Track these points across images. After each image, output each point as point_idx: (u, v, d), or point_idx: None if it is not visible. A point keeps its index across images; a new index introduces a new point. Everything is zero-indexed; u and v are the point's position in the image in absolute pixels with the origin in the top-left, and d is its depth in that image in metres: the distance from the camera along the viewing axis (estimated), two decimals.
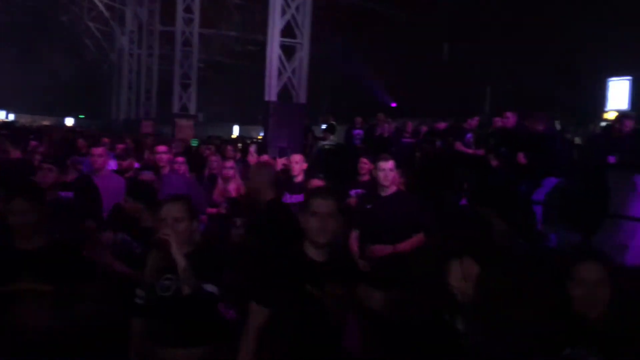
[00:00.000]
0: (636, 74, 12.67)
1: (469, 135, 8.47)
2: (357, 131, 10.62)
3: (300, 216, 2.38)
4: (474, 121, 8.47)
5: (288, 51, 11.01)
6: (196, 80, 20.81)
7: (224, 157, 6.91)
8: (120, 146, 8.44)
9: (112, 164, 6.50)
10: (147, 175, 4.94)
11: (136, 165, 6.94)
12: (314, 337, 2.25)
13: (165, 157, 5.69)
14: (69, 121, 35.79)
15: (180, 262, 2.48)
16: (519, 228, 6.81)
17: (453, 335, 2.05)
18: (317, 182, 5.10)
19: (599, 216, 6.29)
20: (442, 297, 2.09)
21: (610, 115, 11.52)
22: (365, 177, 5.58)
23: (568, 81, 13.56)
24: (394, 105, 14.01)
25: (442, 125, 9.84)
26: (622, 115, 7.89)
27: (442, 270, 2.15)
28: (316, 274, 2.27)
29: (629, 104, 12.59)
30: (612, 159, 6.23)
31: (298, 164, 5.52)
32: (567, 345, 2.08)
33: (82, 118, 38.12)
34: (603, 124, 10.18)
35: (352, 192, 5.37)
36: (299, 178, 5.41)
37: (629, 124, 6.63)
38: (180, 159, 5.92)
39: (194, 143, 13.07)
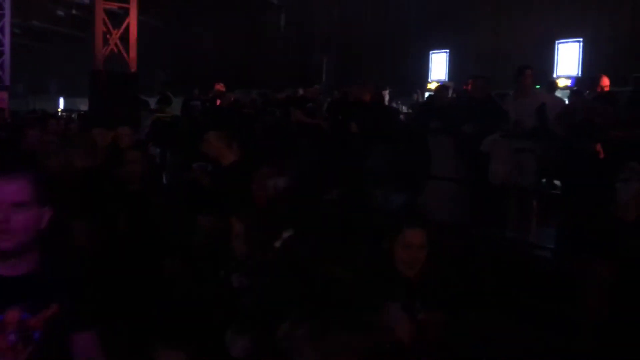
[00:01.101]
0: (453, 48, 13.89)
1: (310, 105, 8.64)
2: (195, 102, 10.29)
3: None
4: (313, 91, 8.63)
5: (115, 17, 10.26)
6: (10, 48, 18.58)
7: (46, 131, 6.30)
8: None
9: None
10: None
11: None
12: None
13: None
14: None
15: None
16: (353, 192, 7.18)
17: (226, 292, 1.98)
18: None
19: (422, 178, 6.83)
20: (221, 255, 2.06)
21: (432, 85, 12.58)
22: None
23: (396, 54, 14.42)
24: (233, 75, 13.82)
25: (281, 95, 9.90)
26: (442, 85, 8.60)
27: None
28: None
29: (446, 74, 13.82)
30: (433, 125, 6.75)
31: (127, 136, 5.24)
32: (386, 299, 2.17)
33: None
34: (427, 93, 11.02)
35: (195, 165, 5.26)
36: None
37: (449, 93, 7.29)
38: None
39: None
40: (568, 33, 11.72)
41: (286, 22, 16.62)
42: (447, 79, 13.09)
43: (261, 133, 9.13)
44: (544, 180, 7.47)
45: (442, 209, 6.26)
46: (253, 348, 1.84)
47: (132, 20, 10.35)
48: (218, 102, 9.69)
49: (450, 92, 8.53)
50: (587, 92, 5.37)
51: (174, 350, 1.76)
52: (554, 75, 11.65)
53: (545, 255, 5.46)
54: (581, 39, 11.58)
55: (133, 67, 10.27)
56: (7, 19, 18.59)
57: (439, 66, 14.22)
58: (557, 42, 11.85)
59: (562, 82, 10.50)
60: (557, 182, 7.20)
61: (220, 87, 10.35)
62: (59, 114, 20.88)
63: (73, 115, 15.67)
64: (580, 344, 3.38)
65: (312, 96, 8.35)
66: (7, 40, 18.51)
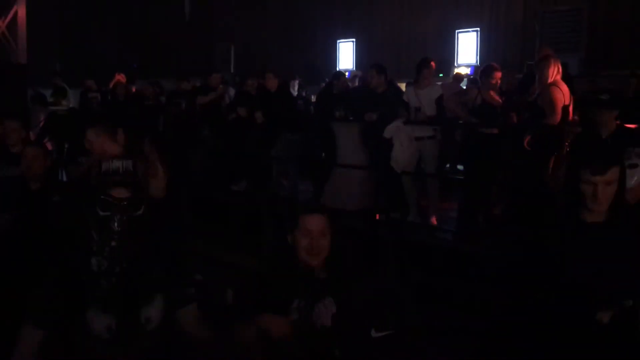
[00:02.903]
0: (359, 37, 14.10)
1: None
2: (94, 94, 9.78)
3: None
4: (215, 79, 8.42)
5: (1, 4, 9.52)
6: None
7: None
8: None
9: None
10: None
11: None
12: None
13: None
14: None
15: None
16: (261, 182, 7.14)
17: (86, 275, 1.97)
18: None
19: (328, 166, 6.89)
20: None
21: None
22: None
23: (304, 42, 14.42)
24: (135, 66, 13.24)
25: (186, 85, 9.61)
26: (338, 72, 8.73)
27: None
28: None
29: (354, 63, 14.01)
30: (338, 114, 6.81)
31: (16, 131, 4.86)
32: (294, 297, 2.15)
33: None
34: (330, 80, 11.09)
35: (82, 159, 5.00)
36: (17, 148, 4.76)
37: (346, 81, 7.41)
38: None
39: None
40: (466, 23, 12.21)
41: (190, 10, 16.16)
42: (354, 68, 13.25)
43: (166, 125, 8.84)
44: (447, 165, 7.78)
45: (349, 196, 6.36)
46: (117, 327, 1.95)
47: (21, 8, 9.65)
48: (117, 94, 9.24)
49: (358, 80, 8.66)
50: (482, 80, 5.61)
51: (34, 328, 1.93)
52: (455, 64, 12.11)
53: (446, 237, 5.68)
54: (478, 29, 12.10)
55: (23, 58, 9.59)
56: None
57: (346, 55, 14.38)
58: (456, 31, 12.31)
59: (462, 71, 10.91)
60: (460, 167, 7.52)
61: (120, 77, 9.90)
62: None
63: None
64: (479, 322, 3.52)
65: (215, 85, 8.17)
66: None
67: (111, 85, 9.77)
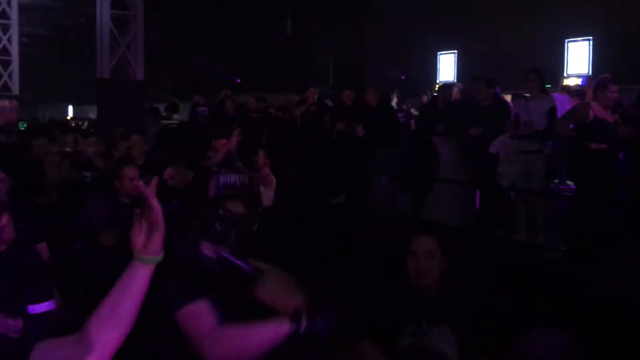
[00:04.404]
0: (460, 48, 13.81)
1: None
2: (202, 109, 10.30)
3: None
4: (311, 93, 8.59)
5: (121, 24, 10.28)
6: (18, 57, 18.69)
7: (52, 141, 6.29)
8: None
9: None
10: None
11: None
12: None
13: None
14: None
15: None
16: (359, 196, 7.15)
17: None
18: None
19: (429, 181, 6.78)
20: None
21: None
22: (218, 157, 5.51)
23: (403, 56, 14.35)
24: (238, 80, 13.81)
25: (285, 99, 9.88)
26: (444, 85, 8.55)
27: None
28: None
29: (455, 75, 13.72)
30: (439, 127, 6.70)
31: (139, 145, 5.23)
32: (407, 321, 2.09)
33: None
34: (436, 94, 10.95)
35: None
36: (140, 161, 5.11)
37: (453, 94, 7.22)
38: None
39: (22, 126, 11.78)
40: (577, 31, 11.61)
41: (291, 26, 16.61)
42: (455, 80, 12.99)
43: (268, 138, 9.13)
44: (556, 180, 7.40)
45: (449, 212, 6.22)
46: None
47: (139, 28, 10.36)
48: (225, 107, 9.65)
49: (456, 91, 8.47)
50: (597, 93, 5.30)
51: None
52: (565, 75, 11.54)
53: (556, 257, 5.38)
54: (591, 37, 11.47)
55: (140, 75, 10.29)
56: (14, 29, 18.69)
57: (447, 67, 14.12)
58: (566, 40, 11.74)
59: (572, 82, 10.38)
60: (569, 183, 7.13)
61: (226, 92, 10.35)
62: (71, 122, 21.06)
63: (84, 125, 15.74)
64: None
65: (312, 99, 8.33)
66: (14, 50, 18.61)
67: (219, 99, 10.22)
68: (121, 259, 1.44)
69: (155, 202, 1.33)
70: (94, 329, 1.34)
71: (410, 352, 2.02)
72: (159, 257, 1.37)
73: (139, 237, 1.35)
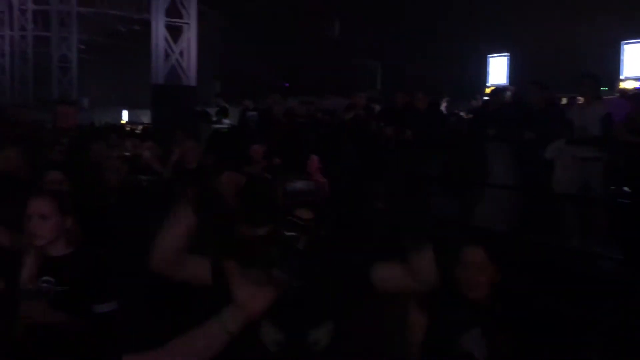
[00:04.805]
0: (513, 51, 13.53)
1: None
2: (251, 113, 10.46)
3: None
4: (360, 98, 8.61)
5: (175, 32, 10.58)
6: (77, 63, 19.48)
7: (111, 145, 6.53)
8: None
9: None
10: None
11: None
12: None
13: None
14: None
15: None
16: (403, 200, 7.09)
17: None
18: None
19: (479, 186, 6.68)
20: None
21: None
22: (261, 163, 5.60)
23: (454, 58, 14.18)
24: (286, 85, 13.97)
25: (332, 103, 9.93)
26: (496, 89, 8.41)
27: None
28: None
29: (507, 79, 13.45)
30: (490, 132, 6.60)
31: (193, 150, 5.33)
32: (463, 330, 2.08)
33: None
34: (485, 98, 10.78)
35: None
36: (193, 165, 5.23)
37: (504, 98, 7.09)
38: None
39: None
40: (634, 33, 11.21)
41: (340, 29, 16.67)
42: (507, 83, 12.73)
43: (315, 142, 9.19)
44: (612, 187, 7.15)
45: (500, 218, 6.10)
46: (285, 342, 1.96)
47: (192, 35, 10.64)
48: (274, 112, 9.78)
49: (509, 95, 8.31)
50: None
51: None
52: (621, 77, 11.16)
53: (611, 267, 5.21)
54: None
55: (192, 81, 10.57)
56: (73, 37, 19.51)
57: (498, 70, 13.86)
58: (622, 42, 11.35)
59: (629, 85, 10.03)
60: (625, 189, 6.88)
61: (275, 97, 10.48)
62: (125, 126, 21.79)
63: (137, 130, 16.22)
64: None
65: (359, 103, 8.33)
66: (74, 57, 19.42)
67: (268, 104, 10.35)
68: None
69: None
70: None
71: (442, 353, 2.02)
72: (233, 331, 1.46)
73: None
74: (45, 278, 2.36)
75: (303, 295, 1.97)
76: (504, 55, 13.74)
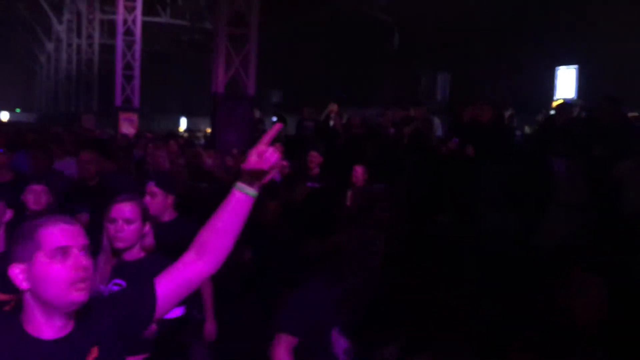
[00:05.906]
0: (583, 62, 12.96)
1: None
2: (309, 123, 10.52)
3: None
4: (421, 110, 8.49)
5: (236, 41, 10.78)
6: (139, 72, 20.15)
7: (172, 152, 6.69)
8: None
9: None
10: None
11: None
12: None
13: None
14: (4, 115, 34.04)
15: None
16: (465, 215, 6.93)
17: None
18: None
19: (542, 202, 6.44)
20: None
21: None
22: (315, 171, 5.70)
23: (518, 70, 13.79)
24: (344, 95, 13.99)
25: (392, 115, 9.81)
26: (564, 103, 8.12)
27: None
28: None
29: (575, 91, 12.87)
30: (556, 147, 6.36)
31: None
32: None
33: (18, 112, 36.42)
34: (552, 112, 10.42)
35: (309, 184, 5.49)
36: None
37: (571, 112, 6.83)
38: None
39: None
40: None
41: (399, 40, 16.58)
42: (576, 97, 12.16)
43: (372, 154, 9.12)
44: None
45: (565, 237, 5.86)
46: (354, 353, 1.96)
47: (253, 45, 10.81)
48: (331, 122, 9.80)
49: (578, 111, 8.01)
50: None
51: None
52: None
53: None
54: None
55: (252, 90, 10.73)
56: (137, 46, 20.17)
57: (566, 83, 13.22)
58: None
59: None
60: None
61: (332, 107, 10.49)
62: (185, 133, 22.42)
63: (196, 139, 16.60)
64: None
65: (419, 115, 8.22)
66: (137, 65, 20.07)
67: (325, 114, 10.38)
68: None
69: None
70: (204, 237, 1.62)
71: None
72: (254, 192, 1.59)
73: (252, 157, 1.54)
74: (116, 281, 2.41)
75: (377, 309, 1.95)
76: (573, 67, 13.12)
